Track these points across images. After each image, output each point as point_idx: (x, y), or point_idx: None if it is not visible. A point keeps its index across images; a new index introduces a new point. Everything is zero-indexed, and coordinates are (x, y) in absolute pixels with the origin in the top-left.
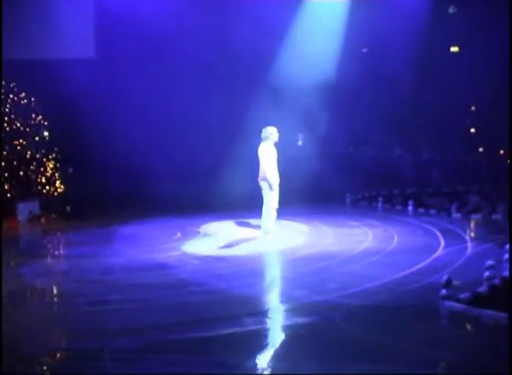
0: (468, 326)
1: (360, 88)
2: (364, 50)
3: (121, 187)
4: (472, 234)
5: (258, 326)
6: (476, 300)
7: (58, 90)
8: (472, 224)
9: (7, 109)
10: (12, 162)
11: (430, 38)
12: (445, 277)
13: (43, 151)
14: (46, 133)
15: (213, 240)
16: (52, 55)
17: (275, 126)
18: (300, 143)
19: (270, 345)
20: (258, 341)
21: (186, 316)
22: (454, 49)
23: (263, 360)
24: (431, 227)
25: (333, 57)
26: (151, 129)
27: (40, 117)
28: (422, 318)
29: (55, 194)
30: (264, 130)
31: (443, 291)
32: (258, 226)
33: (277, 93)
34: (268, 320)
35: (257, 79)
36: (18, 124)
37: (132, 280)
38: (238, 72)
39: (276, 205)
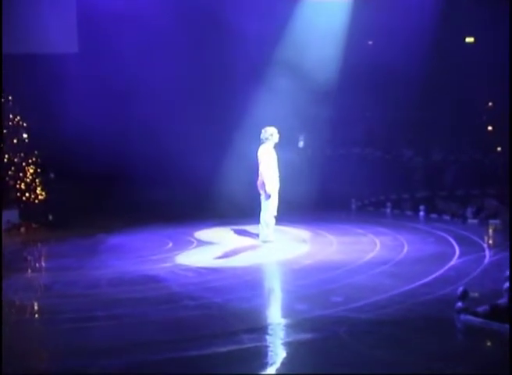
0: (486, 342)
1: (364, 84)
2: (370, 42)
3: (108, 193)
4: (490, 242)
5: (257, 344)
6: (495, 313)
7: (38, 88)
8: (490, 230)
9: None
10: None
11: (443, 28)
12: (460, 289)
13: (22, 154)
14: (25, 136)
15: (207, 250)
16: (31, 49)
17: (275, 127)
18: (300, 144)
19: (270, 364)
20: (257, 359)
21: (178, 333)
22: (469, 40)
23: None
24: (444, 234)
25: (336, 51)
26: (139, 130)
27: (18, 118)
28: (435, 333)
29: (36, 201)
30: (263, 131)
31: (459, 304)
32: (256, 235)
33: (276, 90)
34: (267, 337)
35: (256, 76)
36: None
37: (119, 295)
38: (235, 68)
39: (275, 212)
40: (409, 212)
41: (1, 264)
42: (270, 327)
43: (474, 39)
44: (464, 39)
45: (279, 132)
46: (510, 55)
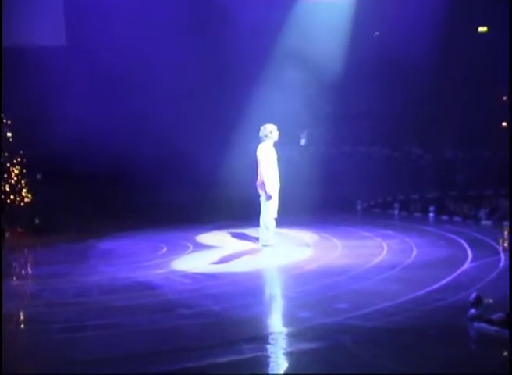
0: (501, 352)
1: (370, 77)
2: (376, 33)
3: (98, 195)
4: (505, 244)
5: (258, 354)
6: (510, 321)
7: (22, 82)
8: (504, 233)
9: None
10: None
11: (454, 17)
12: (473, 295)
13: (6, 154)
14: (9, 134)
15: (204, 254)
16: (15, 41)
17: (275, 124)
18: (302, 142)
19: None
20: (258, 370)
21: (174, 342)
22: (482, 30)
23: None
24: (456, 237)
25: (341, 43)
26: (134, 127)
27: (2, 115)
28: (446, 342)
29: (22, 204)
30: (262, 128)
31: (472, 311)
32: (256, 239)
33: (277, 85)
34: (268, 346)
35: (257, 69)
36: None
37: (111, 303)
38: (234, 62)
39: (275, 215)
40: (418, 214)
41: (0, 266)
42: (271, 336)
43: (487, 28)
44: (477, 29)
45: (278, 129)
46: (510, 54)
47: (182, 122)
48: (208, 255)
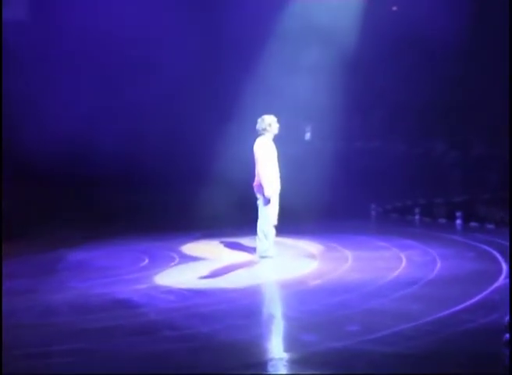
0: None
1: (386, 59)
2: (394, 8)
3: (73, 199)
4: None
5: None
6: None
7: None
8: None
9: None
10: None
11: None
12: (508, 317)
13: None
14: None
15: (192, 267)
16: None
17: (275, 115)
18: (307, 136)
19: None
20: None
21: (158, 369)
22: None
23: None
24: (488, 248)
25: (351, 20)
26: (106, 114)
27: None
28: (476, 371)
29: None
30: (260, 120)
31: (506, 336)
32: (253, 249)
33: (278, 70)
34: None
35: (252, 52)
36: None
37: (84, 324)
38: (226, 46)
39: (275, 221)
40: (443, 220)
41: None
42: (270, 363)
43: None
44: None
45: (278, 121)
46: (510, 53)
47: (167, 112)
48: (197, 268)
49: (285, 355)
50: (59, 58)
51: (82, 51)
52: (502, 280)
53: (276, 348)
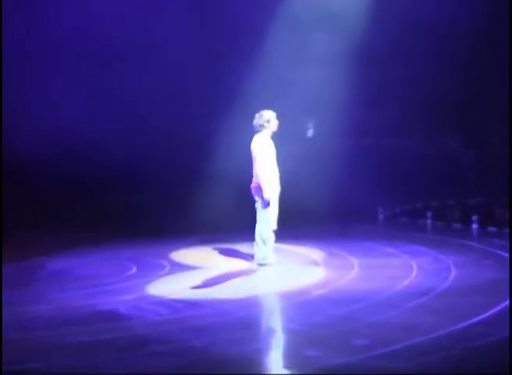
0: None
1: (396, 48)
2: None
3: (51, 199)
4: None
5: None
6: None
7: None
8: None
9: None
10: None
11: None
12: None
13: None
14: None
15: (184, 277)
16: None
17: (274, 111)
18: (309, 133)
19: None
20: None
21: None
22: None
23: None
24: (507, 254)
25: (362, 7)
26: (93, 108)
27: None
28: None
29: None
30: (257, 116)
31: None
32: (251, 256)
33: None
34: None
35: (255, 41)
36: None
37: (65, 339)
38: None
39: (275, 226)
40: (457, 225)
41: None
42: None
43: None
44: None
45: (278, 117)
46: (509, 53)
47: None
48: (189, 278)
49: (285, 372)
50: (51, 55)
51: (75, 47)
52: None
53: (276, 365)
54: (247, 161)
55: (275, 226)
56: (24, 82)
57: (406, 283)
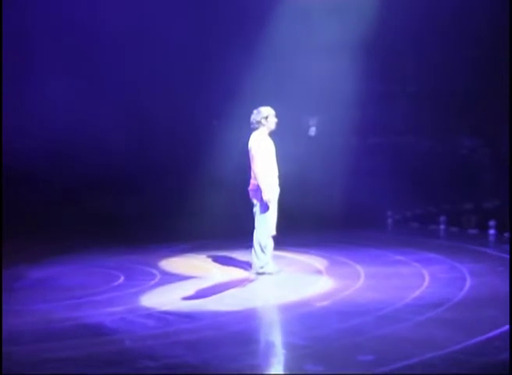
0: None
1: (406, 39)
2: None
3: (33, 204)
4: None
5: None
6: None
7: None
8: None
9: None
10: None
11: None
12: None
13: None
14: None
15: (175, 287)
16: None
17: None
18: (312, 132)
19: None
20: None
21: None
22: None
23: None
24: None
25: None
26: (80, 107)
27: None
28: None
29: None
30: (255, 113)
31: None
32: (248, 264)
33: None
34: None
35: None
36: None
37: (47, 354)
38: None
39: (274, 231)
40: (473, 231)
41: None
42: None
43: None
44: None
45: (276, 115)
46: (510, 53)
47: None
48: (181, 288)
49: None
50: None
51: (75, 47)
52: None
53: None
54: (246, 161)
55: (274, 232)
56: (24, 82)
57: (417, 294)
